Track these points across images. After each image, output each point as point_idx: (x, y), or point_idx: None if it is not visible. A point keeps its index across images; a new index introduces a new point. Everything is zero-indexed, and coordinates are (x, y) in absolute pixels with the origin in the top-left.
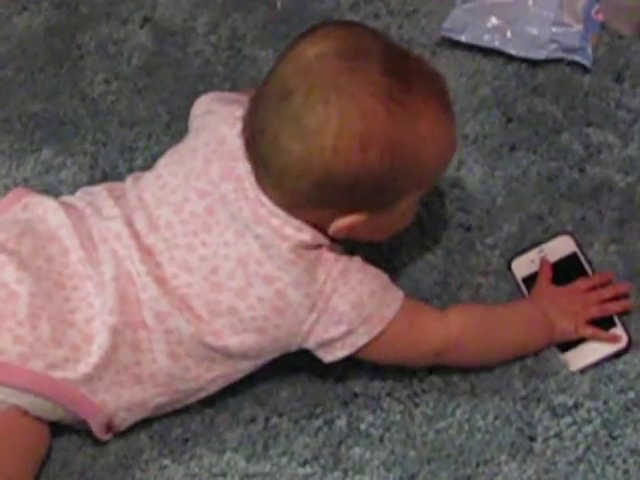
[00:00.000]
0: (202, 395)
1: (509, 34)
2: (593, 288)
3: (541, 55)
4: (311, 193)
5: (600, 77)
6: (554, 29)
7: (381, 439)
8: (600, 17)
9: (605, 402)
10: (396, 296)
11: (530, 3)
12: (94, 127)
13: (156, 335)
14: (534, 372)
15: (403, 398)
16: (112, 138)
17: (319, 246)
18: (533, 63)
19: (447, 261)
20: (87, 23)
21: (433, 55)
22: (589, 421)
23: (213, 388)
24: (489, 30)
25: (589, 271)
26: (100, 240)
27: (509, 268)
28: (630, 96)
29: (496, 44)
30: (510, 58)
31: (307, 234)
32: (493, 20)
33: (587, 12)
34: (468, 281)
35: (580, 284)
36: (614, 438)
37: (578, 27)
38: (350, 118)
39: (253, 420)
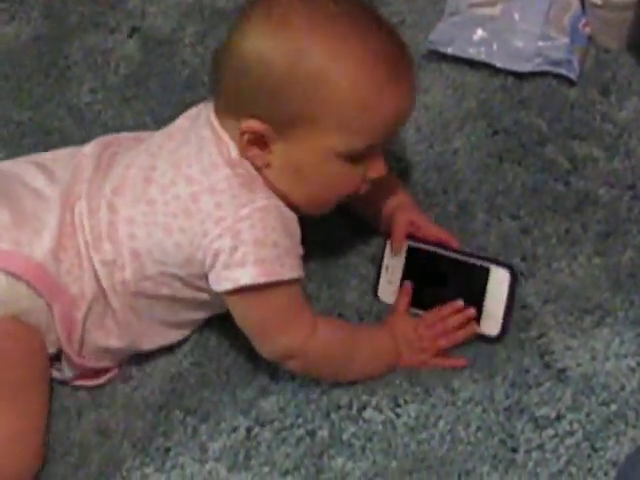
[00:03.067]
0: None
1: (495, 47)
2: (441, 318)
3: (527, 68)
4: (230, 88)
5: (586, 90)
6: (540, 42)
7: (363, 449)
8: (587, 30)
9: (587, 414)
10: (295, 270)
11: (516, 17)
12: (81, 136)
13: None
14: (517, 383)
15: (385, 409)
16: None
17: (252, 176)
18: (519, 76)
19: None
20: (75, 33)
21: (419, 67)
22: (571, 433)
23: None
24: (475, 43)
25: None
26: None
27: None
28: (616, 109)
29: (482, 57)
30: (496, 71)
31: (233, 148)
32: (479, 33)
33: (574, 25)
34: None
35: (427, 318)
36: (596, 450)
37: (564, 40)
38: (278, 8)
39: (235, 430)
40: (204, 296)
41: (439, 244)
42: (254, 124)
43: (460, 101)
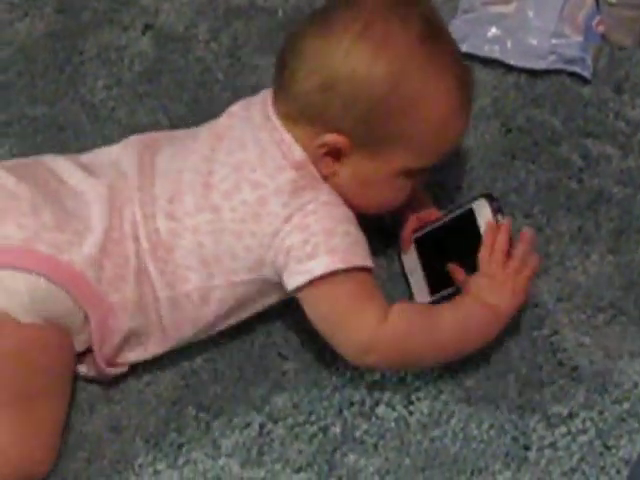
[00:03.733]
0: (208, 327)
1: (509, 44)
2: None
3: (541, 66)
4: (311, 97)
5: (600, 88)
6: (554, 40)
7: (375, 447)
8: (601, 28)
9: (600, 412)
10: (366, 259)
11: (530, 14)
12: (94, 133)
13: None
14: (529, 381)
15: (398, 406)
16: (112, 144)
17: (316, 178)
18: (533, 73)
19: None
20: (89, 29)
21: None
22: (584, 431)
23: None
24: (489, 40)
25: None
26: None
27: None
28: (629, 108)
29: (496, 54)
30: (510, 68)
31: (298, 151)
32: (493, 30)
33: (588, 23)
34: None
35: (498, 247)
36: (609, 448)
37: (578, 38)
38: (374, 27)
39: (248, 426)
40: (269, 300)
41: (431, 221)
42: (339, 139)
43: (474, 99)
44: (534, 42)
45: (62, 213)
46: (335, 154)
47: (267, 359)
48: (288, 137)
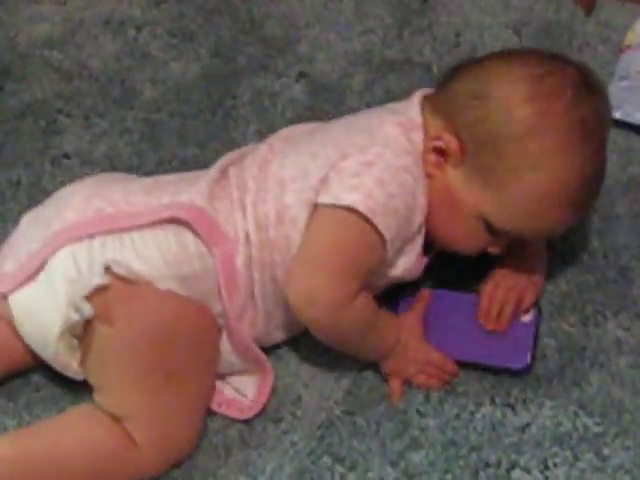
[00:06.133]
0: None
1: None
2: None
3: None
4: (459, 97)
5: None
6: None
7: None
8: None
9: None
10: (387, 230)
11: None
12: None
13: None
14: None
15: (534, 470)
16: None
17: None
18: None
19: None
20: (243, 74)
21: None
22: None
23: None
24: None
25: None
26: None
27: None
28: None
29: None
30: None
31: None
32: None
33: None
34: None
35: (432, 354)
36: None
37: None
38: (547, 79)
39: None
40: None
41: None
42: (453, 141)
43: (625, 166)
44: None
45: (180, 181)
46: (441, 155)
47: (406, 415)
48: (419, 117)
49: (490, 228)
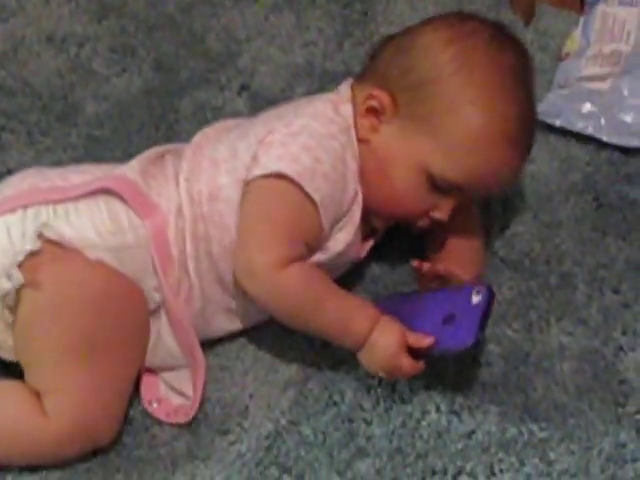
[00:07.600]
0: None
1: (603, 121)
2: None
3: (635, 143)
4: (384, 57)
5: None
6: None
7: None
8: None
9: None
10: (317, 192)
11: (625, 92)
12: None
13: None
14: (612, 458)
15: (480, 476)
16: None
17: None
18: (626, 151)
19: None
20: (185, 88)
21: None
22: None
23: None
24: (583, 116)
25: None
26: None
27: None
28: None
29: (590, 131)
30: (603, 145)
31: (347, 107)
32: (588, 106)
33: None
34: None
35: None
36: None
37: None
38: (466, 26)
39: None
40: None
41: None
42: (384, 96)
43: (566, 173)
44: (628, 119)
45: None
46: (376, 115)
47: (352, 424)
48: (348, 93)
49: (433, 183)
